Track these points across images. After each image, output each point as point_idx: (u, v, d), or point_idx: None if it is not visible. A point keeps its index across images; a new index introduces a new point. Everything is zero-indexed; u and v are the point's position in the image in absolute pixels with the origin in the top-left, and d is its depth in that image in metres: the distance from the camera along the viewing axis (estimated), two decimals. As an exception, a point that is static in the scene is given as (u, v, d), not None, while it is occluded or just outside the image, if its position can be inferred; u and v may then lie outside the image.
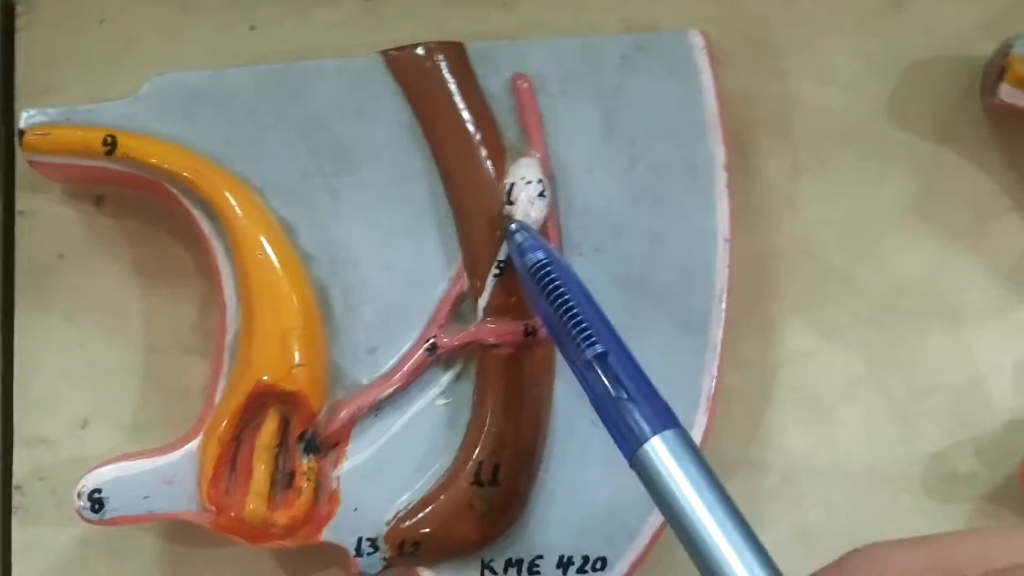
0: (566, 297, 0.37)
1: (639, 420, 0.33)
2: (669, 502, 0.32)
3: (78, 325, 0.45)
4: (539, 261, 0.38)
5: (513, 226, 0.40)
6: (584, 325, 0.36)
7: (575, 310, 0.36)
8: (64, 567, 0.44)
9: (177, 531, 0.43)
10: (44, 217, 0.45)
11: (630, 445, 0.33)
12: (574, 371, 0.36)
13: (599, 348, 0.35)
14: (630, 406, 0.34)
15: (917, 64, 0.46)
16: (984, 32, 0.46)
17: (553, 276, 0.37)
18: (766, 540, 0.32)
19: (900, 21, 0.47)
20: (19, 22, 0.46)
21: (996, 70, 0.44)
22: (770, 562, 0.31)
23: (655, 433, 0.33)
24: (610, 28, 0.46)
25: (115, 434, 0.44)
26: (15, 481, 0.44)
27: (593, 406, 0.35)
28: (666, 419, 0.33)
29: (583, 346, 0.35)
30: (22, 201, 0.45)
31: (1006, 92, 0.43)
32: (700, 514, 0.32)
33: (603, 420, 0.35)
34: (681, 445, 0.33)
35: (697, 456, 0.33)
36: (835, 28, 0.47)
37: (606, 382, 0.35)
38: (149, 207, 0.44)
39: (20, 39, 0.46)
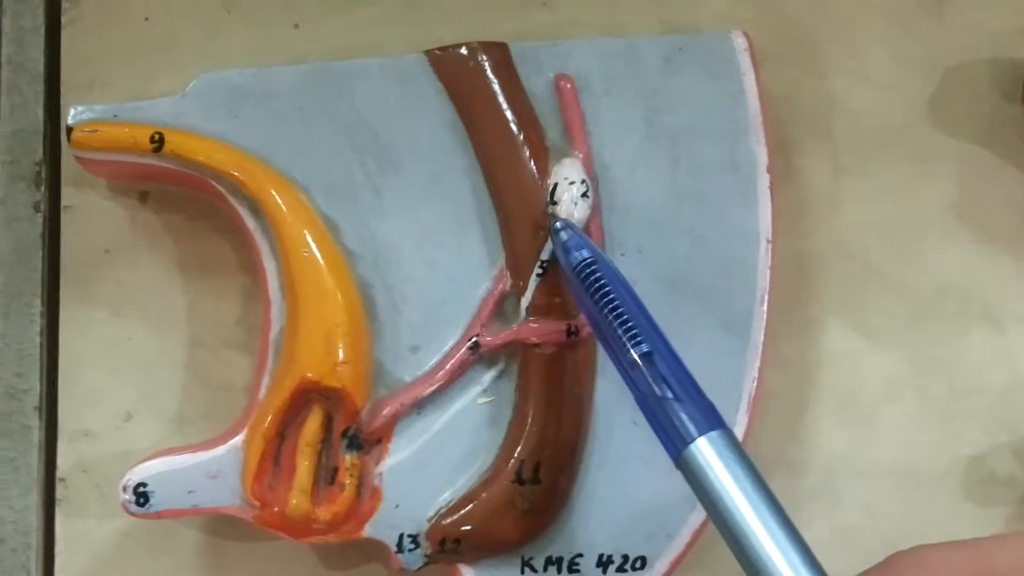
0: (611, 296, 0.37)
1: (685, 420, 0.34)
2: (715, 502, 0.32)
3: (123, 319, 0.45)
4: (584, 259, 0.38)
5: (558, 224, 0.40)
6: (630, 324, 0.36)
7: (620, 309, 0.36)
8: (107, 559, 0.44)
9: (218, 524, 0.44)
10: (89, 212, 0.45)
11: (676, 445, 0.33)
12: (619, 370, 0.36)
13: (645, 347, 0.35)
14: (676, 406, 0.34)
15: (957, 66, 0.47)
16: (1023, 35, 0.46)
17: (598, 275, 0.37)
18: (805, 540, 0.32)
19: (940, 23, 0.47)
20: (65, 18, 0.46)
21: (1036, 72, 0.44)
22: (815, 562, 0.31)
23: (701, 433, 0.33)
24: (649, 28, 0.46)
25: (158, 428, 0.45)
26: (59, 474, 0.44)
27: (638, 405, 0.35)
28: (712, 419, 0.34)
29: (629, 345, 0.35)
30: (68, 196, 0.45)
31: (1048, 96, 0.43)
32: (746, 514, 0.32)
33: (648, 420, 0.35)
34: (727, 445, 0.33)
35: (743, 456, 0.33)
36: (875, 29, 0.47)
37: (652, 382, 0.35)
38: (192, 203, 0.45)
39: (66, 35, 0.46)
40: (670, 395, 0.34)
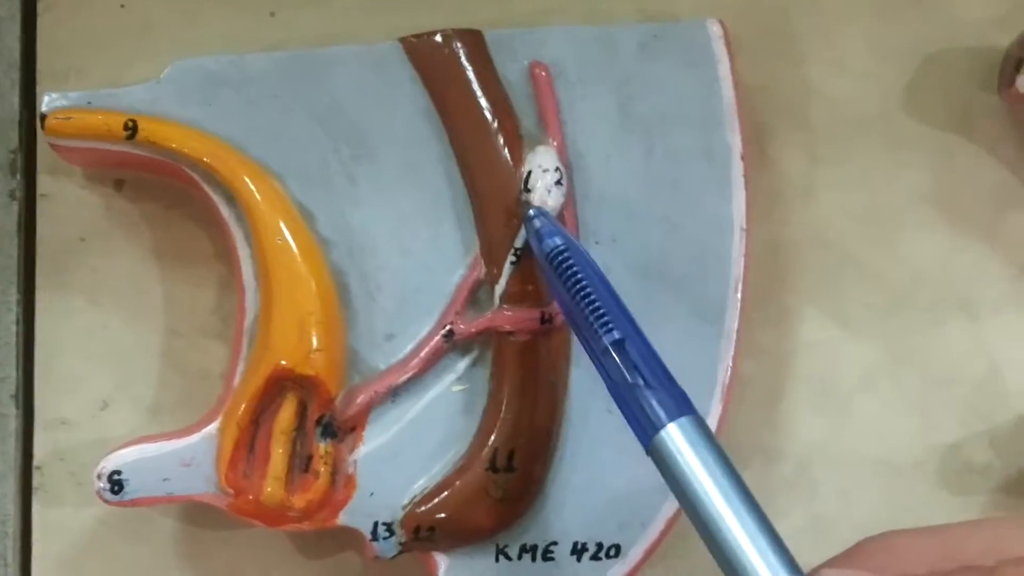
0: (583, 283, 0.37)
1: (655, 407, 0.33)
2: (684, 489, 0.32)
3: (99, 307, 0.45)
4: (557, 247, 0.38)
5: (531, 212, 0.40)
6: (601, 311, 0.36)
7: (592, 296, 0.36)
8: (83, 547, 0.44)
9: (195, 512, 0.44)
10: (65, 200, 0.45)
11: (646, 432, 0.33)
12: (591, 357, 0.36)
13: (616, 334, 0.35)
14: (647, 393, 0.34)
15: (934, 55, 0.46)
16: (1002, 24, 0.46)
17: (571, 262, 0.37)
18: (780, 528, 0.32)
19: (918, 12, 0.47)
20: (41, 6, 0.46)
21: (1013, 61, 0.44)
22: (784, 549, 0.31)
23: (671, 420, 0.33)
24: (627, 16, 0.46)
25: (134, 416, 0.45)
26: (36, 462, 0.44)
27: (610, 392, 0.35)
28: (683, 406, 0.34)
29: (600, 332, 0.35)
30: (44, 184, 0.45)
31: (1023, 83, 0.43)
32: (715, 501, 0.32)
33: (619, 406, 0.35)
34: (697, 432, 0.33)
35: (713, 443, 0.33)
36: (853, 18, 0.47)
37: (623, 368, 0.35)
38: (168, 191, 0.45)
39: (42, 23, 0.46)
40: (641, 382, 0.34)
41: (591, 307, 0.36)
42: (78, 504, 0.44)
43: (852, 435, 0.45)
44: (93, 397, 0.45)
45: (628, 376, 0.35)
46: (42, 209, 0.45)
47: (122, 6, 0.46)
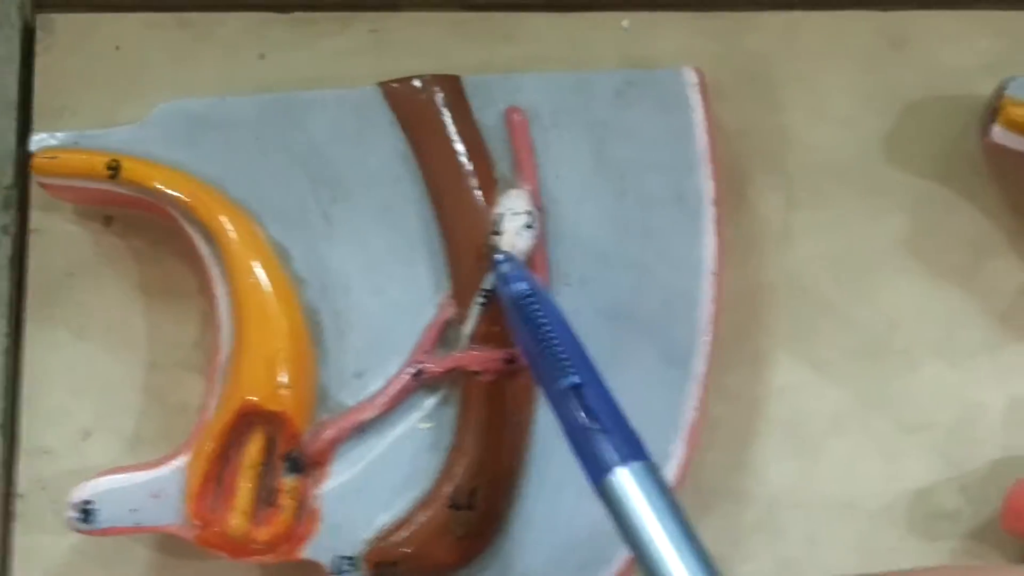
0: (546, 327, 0.37)
1: (608, 450, 0.34)
2: (631, 532, 0.33)
3: (84, 340, 0.46)
4: (522, 291, 0.39)
5: (499, 257, 0.41)
6: (562, 355, 0.36)
7: (554, 340, 0.37)
8: (61, 574, 0.45)
9: (168, 543, 0.44)
10: (55, 235, 0.46)
11: (598, 474, 0.34)
12: (548, 400, 0.37)
13: (575, 379, 0.36)
14: (600, 436, 0.34)
15: (915, 103, 0.47)
16: (985, 72, 0.46)
17: (535, 307, 0.38)
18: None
19: (899, 59, 0.47)
20: (38, 47, 0.47)
21: (990, 111, 0.44)
22: None
23: (623, 463, 0.33)
24: (610, 63, 0.47)
25: (116, 447, 0.46)
26: (18, 490, 0.45)
27: (565, 435, 0.36)
28: (635, 450, 0.34)
29: (558, 375, 0.36)
30: (35, 220, 0.46)
31: (998, 133, 0.43)
32: (660, 546, 0.32)
33: (574, 449, 0.35)
34: (647, 477, 0.33)
35: (663, 489, 0.33)
36: (834, 65, 0.47)
37: (579, 412, 0.35)
38: (155, 228, 0.46)
39: (39, 64, 0.47)
40: (596, 426, 0.35)
41: (551, 351, 0.37)
42: (56, 532, 0.45)
43: (822, 479, 0.45)
44: (76, 427, 0.46)
45: (584, 419, 0.35)
46: (33, 243, 0.46)
47: (117, 48, 0.47)
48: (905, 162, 0.47)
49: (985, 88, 0.45)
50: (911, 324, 0.46)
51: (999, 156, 0.45)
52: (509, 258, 0.41)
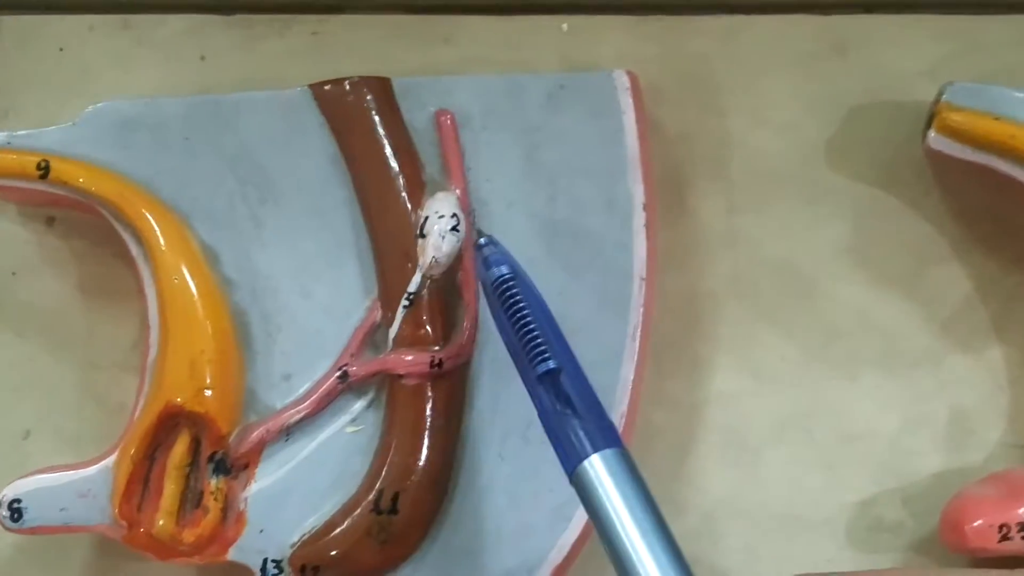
0: (525, 312, 0.37)
1: (582, 437, 0.34)
2: (602, 519, 0.33)
3: (25, 340, 0.47)
4: (502, 275, 0.38)
5: (482, 240, 0.40)
6: (539, 341, 0.36)
7: (532, 326, 0.36)
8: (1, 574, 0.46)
9: (108, 544, 0.44)
10: (-2, 235, 0.47)
11: (571, 460, 0.34)
12: (526, 385, 0.36)
13: (552, 364, 0.35)
14: (575, 422, 0.34)
15: (858, 108, 0.46)
16: (927, 77, 0.46)
17: (514, 291, 0.37)
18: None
19: (842, 65, 0.46)
20: (-17, 49, 0.48)
21: (929, 117, 0.43)
22: None
23: (596, 451, 0.33)
24: (550, 66, 0.47)
25: (55, 446, 0.46)
26: (-41, 488, 0.46)
27: (540, 421, 0.35)
28: (609, 438, 0.34)
29: (536, 361, 0.36)
30: (-22, 219, 0.47)
31: (934, 139, 0.43)
32: (631, 533, 0.32)
33: (548, 435, 0.35)
34: (620, 465, 0.33)
35: (635, 476, 0.33)
36: (776, 70, 0.47)
37: (555, 397, 0.35)
38: (96, 229, 0.46)
39: (-17, 65, 0.48)
40: (571, 412, 0.35)
41: (529, 336, 0.36)
42: (-2, 531, 0.45)
43: (761, 489, 0.45)
44: (16, 427, 0.46)
45: (558, 406, 0.35)
46: (-25, 243, 0.47)
47: (60, 50, 0.48)
48: (848, 168, 0.46)
49: (928, 93, 0.44)
50: (853, 332, 0.45)
51: (941, 162, 0.44)
52: (491, 241, 0.40)
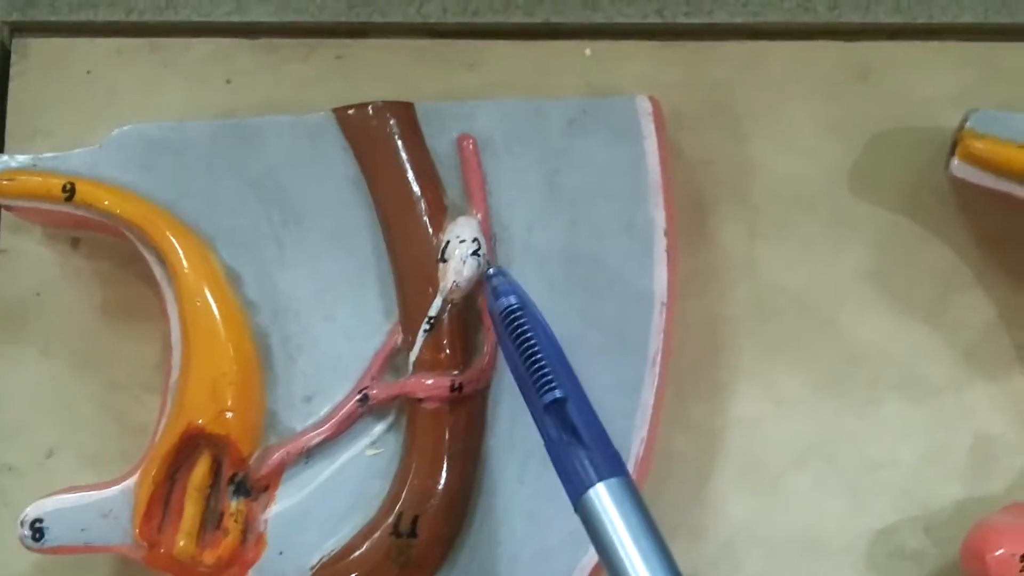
0: (532, 342, 0.37)
1: (587, 466, 0.34)
2: (605, 547, 0.33)
3: (49, 359, 0.47)
4: (510, 306, 0.39)
5: (491, 270, 0.41)
6: (546, 370, 0.36)
7: (539, 355, 0.37)
8: (22, 592, 0.46)
9: (128, 564, 0.45)
10: (24, 256, 0.47)
11: (576, 489, 0.34)
12: (532, 414, 0.37)
13: (558, 393, 0.36)
14: (581, 452, 0.35)
15: (881, 134, 0.46)
16: (951, 104, 0.46)
17: (522, 321, 0.38)
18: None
19: (866, 91, 0.46)
20: (13, 70, 0.48)
21: (952, 143, 0.43)
22: None
23: (601, 479, 0.34)
24: (574, 91, 0.47)
25: (78, 465, 0.46)
26: (-19, 506, 0.46)
27: (547, 450, 0.36)
28: (614, 467, 0.34)
29: (542, 390, 0.36)
30: (4, 240, 0.47)
31: (957, 167, 0.43)
32: (634, 561, 0.32)
33: (554, 464, 0.35)
34: (624, 493, 0.34)
35: (640, 505, 0.34)
36: (799, 96, 0.47)
37: (560, 427, 0.35)
38: (120, 251, 0.46)
39: (12, 87, 0.48)
40: (576, 441, 0.35)
41: (536, 365, 0.37)
42: (20, 549, 0.45)
43: (781, 515, 0.45)
44: (40, 445, 0.46)
45: (564, 434, 0.35)
46: (2, 264, 0.47)
47: (88, 72, 0.48)
48: (871, 194, 0.46)
49: (952, 120, 0.44)
50: (875, 359, 0.45)
51: (965, 189, 0.44)
52: (501, 272, 0.40)
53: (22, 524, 0.42)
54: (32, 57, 0.48)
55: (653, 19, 0.47)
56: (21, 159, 0.44)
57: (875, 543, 0.44)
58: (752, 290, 0.46)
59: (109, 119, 0.47)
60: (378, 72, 0.48)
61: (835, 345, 0.45)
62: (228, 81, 0.48)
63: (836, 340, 0.45)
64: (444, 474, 0.41)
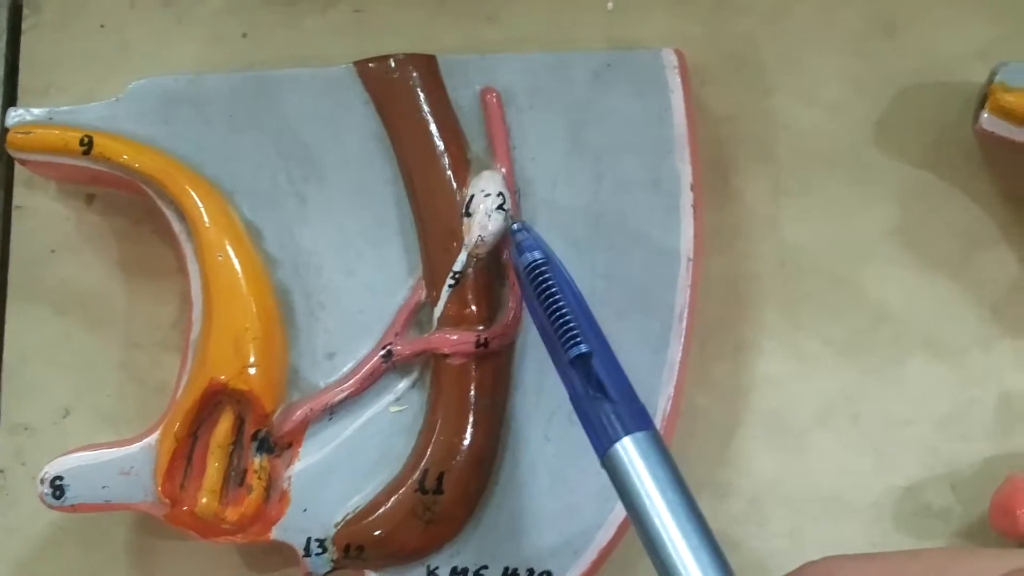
0: (557, 297, 0.37)
1: (613, 420, 0.34)
2: (633, 501, 0.33)
3: (65, 317, 0.46)
4: (535, 261, 0.38)
5: (515, 225, 0.40)
6: (571, 325, 0.36)
7: (564, 310, 0.37)
8: (41, 550, 0.45)
9: (148, 523, 0.45)
10: (38, 212, 0.47)
11: (602, 443, 0.34)
12: (558, 369, 0.36)
13: (583, 348, 0.36)
14: (607, 406, 0.34)
15: (907, 89, 0.46)
16: (978, 58, 0.45)
17: (547, 276, 0.38)
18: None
19: (892, 45, 0.46)
20: (25, 24, 0.47)
21: (981, 97, 0.43)
22: (726, 565, 0.31)
23: (627, 433, 0.33)
24: (595, 45, 0.46)
25: (95, 424, 0.46)
26: (-1, 464, 0.46)
27: (572, 403, 0.36)
28: (640, 421, 0.34)
29: (568, 345, 0.36)
30: (19, 196, 0.47)
31: (987, 120, 0.42)
32: (662, 514, 0.32)
33: (580, 418, 0.35)
34: (651, 446, 0.33)
35: (666, 458, 0.33)
36: (824, 49, 0.46)
37: (586, 381, 0.35)
38: (136, 206, 0.46)
39: (25, 41, 0.47)
40: (602, 395, 0.35)
41: (561, 320, 0.36)
42: (37, 507, 0.44)
43: (806, 472, 0.44)
44: (56, 404, 0.46)
45: (590, 389, 0.35)
46: (16, 220, 0.47)
47: (102, 26, 0.48)
48: (896, 149, 0.45)
49: (979, 74, 0.44)
50: (900, 316, 0.45)
51: (992, 144, 0.44)
52: (525, 227, 0.40)
53: (42, 481, 0.41)
54: (45, 11, 0.48)
55: (676, -28, 0.46)
56: (37, 112, 0.43)
57: (901, 501, 0.44)
58: (776, 247, 0.45)
59: (123, 74, 0.46)
60: (397, 26, 0.47)
61: (860, 302, 0.45)
62: (244, 35, 0.47)
63: (861, 297, 0.45)
64: (470, 430, 0.41)
